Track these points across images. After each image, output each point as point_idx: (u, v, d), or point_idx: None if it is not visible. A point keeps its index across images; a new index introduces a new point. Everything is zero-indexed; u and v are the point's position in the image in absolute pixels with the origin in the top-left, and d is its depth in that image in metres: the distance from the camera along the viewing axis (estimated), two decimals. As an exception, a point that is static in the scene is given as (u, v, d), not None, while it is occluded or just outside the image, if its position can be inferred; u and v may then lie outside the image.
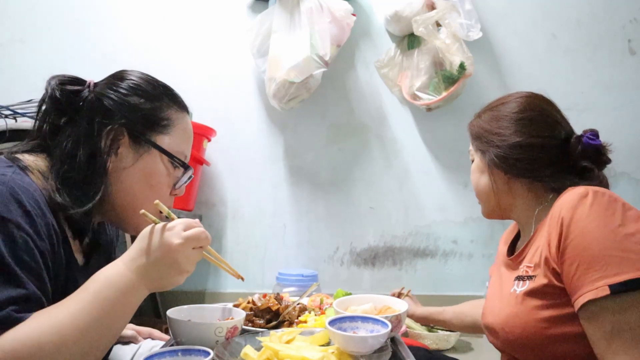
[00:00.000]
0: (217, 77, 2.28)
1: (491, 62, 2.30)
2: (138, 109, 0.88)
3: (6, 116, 1.68)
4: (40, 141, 0.88)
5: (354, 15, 2.10)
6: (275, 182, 2.29)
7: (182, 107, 0.97)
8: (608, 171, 1.05)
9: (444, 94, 2.09)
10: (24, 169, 0.80)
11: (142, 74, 0.94)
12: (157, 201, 0.80)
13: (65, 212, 0.82)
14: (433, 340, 1.88)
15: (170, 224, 0.78)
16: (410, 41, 2.23)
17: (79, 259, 0.90)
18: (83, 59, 2.23)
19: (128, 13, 2.27)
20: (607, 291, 0.82)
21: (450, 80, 2.08)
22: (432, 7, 2.13)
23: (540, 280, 0.92)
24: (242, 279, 0.95)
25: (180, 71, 2.25)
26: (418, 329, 1.96)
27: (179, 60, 2.26)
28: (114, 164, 0.86)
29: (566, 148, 1.01)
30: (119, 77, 0.92)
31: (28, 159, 0.84)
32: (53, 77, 0.89)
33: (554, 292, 0.91)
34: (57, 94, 0.86)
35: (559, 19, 2.32)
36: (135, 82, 0.91)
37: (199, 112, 2.12)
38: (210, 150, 2.17)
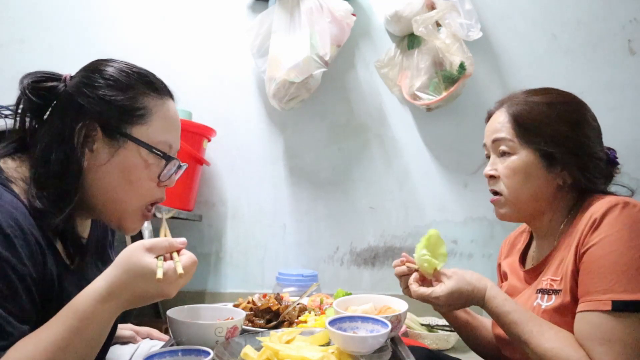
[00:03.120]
0: (217, 77, 2.28)
1: (491, 62, 2.30)
2: (109, 102, 0.83)
3: (6, 116, 1.68)
4: (21, 142, 0.85)
5: (354, 15, 2.10)
6: (275, 182, 2.29)
7: (162, 93, 0.91)
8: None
9: (444, 94, 2.09)
10: (5, 182, 0.77)
11: (118, 62, 0.89)
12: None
13: (45, 219, 0.79)
14: (433, 340, 1.88)
15: (171, 277, 0.73)
16: (410, 41, 2.23)
17: (71, 261, 0.87)
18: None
19: (128, 13, 2.27)
20: (609, 306, 0.82)
21: (450, 80, 2.08)
22: (432, 7, 2.13)
23: (567, 295, 0.90)
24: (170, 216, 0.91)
25: (180, 71, 2.25)
26: (418, 329, 1.96)
27: (179, 60, 2.26)
28: (90, 161, 0.83)
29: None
30: (91, 68, 0.87)
31: (10, 166, 0.81)
32: (26, 76, 0.86)
33: None
34: (30, 93, 0.83)
35: (559, 19, 2.32)
36: (107, 72, 0.85)
37: (199, 112, 2.12)
38: (210, 150, 2.17)
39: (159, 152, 0.85)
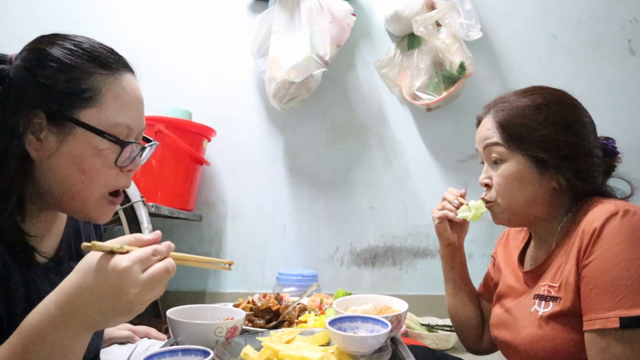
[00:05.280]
0: (217, 77, 2.28)
1: (491, 62, 2.30)
2: (51, 86, 0.74)
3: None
4: None
5: (354, 15, 2.10)
6: (275, 182, 2.29)
7: (113, 68, 0.79)
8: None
9: (444, 94, 2.09)
10: None
11: (62, 38, 0.79)
12: (93, 242, 0.62)
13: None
14: (433, 340, 1.88)
15: (123, 265, 0.61)
16: (410, 41, 2.23)
17: (44, 255, 0.82)
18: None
19: (128, 13, 2.27)
20: (616, 324, 0.80)
21: (450, 80, 2.08)
22: (432, 7, 2.13)
23: (567, 304, 0.89)
24: (231, 263, 0.82)
25: (180, 71, 2.25)
26: (418, 329, 1.96)
27: (179, 60, 2.26)
28: (39, 151, 0.74)
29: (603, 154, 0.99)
30: (32, 48, 0.79)
31: None
32: None
33: (582, 315, 0.88)
34: None
35: (559, 19, 2.32)
36: (47, 52, 0.76)
37: (199, 112, 2.13)
38: (210, 150, 2.17)
39: (111, 138, 0.75)
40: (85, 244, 0.62)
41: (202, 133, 2.06)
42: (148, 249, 0.65)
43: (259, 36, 2.12)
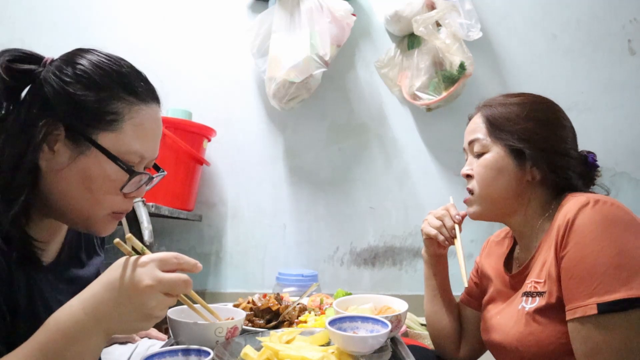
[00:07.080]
0: (217, 77, 2.28)
1: (491, 62, 2.30)
2: (77, 102, 0.74)
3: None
4: None
5: (354, 15, 2.10)
6: (275, 182, 2.29)
7: (141, 97, 0.80)
8: (608, 171, 1.06)
9: (444, 94, 2.09)
10: None
11: (98, 55, 0.80)
12: (129, 235, 0.68)
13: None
14: (433, 340, 1.88)
15: (143, 259, 0.66)
16: (410, 41, 2.23)
17: (46, 258, 0.82)
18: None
19: (128, 13, 2.27)
20: (594, 310, 0.82)
21: (450, 80, 2.08)
22: (432, 7, 2.13)
23: (552, 296, 0.90)
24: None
25: (180, 71, 2.25)
26: (418, 329, 1.96)
27: (179, 60, 2.26)
28: (50, 162, 0.75)
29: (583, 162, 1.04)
30: (67, 59, 0.79)
31: None
32: (4, 52, 0.78)
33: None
34: (3, 72, 0.75)
35: (559, 19, 2.32)
36: (82, 67, 0.76)
37: (199, 112, 2.13)
38: (210, 150, 2.17)
39: (122, 165, 0.76)
40: (117, 240, 0.66)
41: (202, 133, 2.06)
42: (170, 253, 0.68)
43: (259, 36, 2.12)
